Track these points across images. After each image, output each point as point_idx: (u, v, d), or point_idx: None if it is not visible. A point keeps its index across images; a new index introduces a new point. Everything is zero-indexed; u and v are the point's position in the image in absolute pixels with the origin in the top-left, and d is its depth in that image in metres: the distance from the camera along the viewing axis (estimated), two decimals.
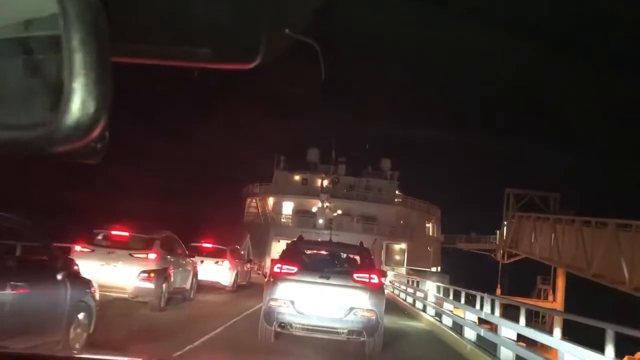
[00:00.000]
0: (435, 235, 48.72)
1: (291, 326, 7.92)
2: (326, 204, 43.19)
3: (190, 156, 43.99)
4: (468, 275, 37.00)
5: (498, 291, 36.17)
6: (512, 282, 40.81)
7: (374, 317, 7.80)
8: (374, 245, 35.29)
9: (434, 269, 37.20)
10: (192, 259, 12.80)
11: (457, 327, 11.60)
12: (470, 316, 10.10)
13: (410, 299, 18.35)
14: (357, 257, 9.37)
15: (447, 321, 12.26)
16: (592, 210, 27.45)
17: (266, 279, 8.94)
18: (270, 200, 46.82)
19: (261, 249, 39.23)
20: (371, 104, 56.64)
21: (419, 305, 16.31)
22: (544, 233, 29.22)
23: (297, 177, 46.96)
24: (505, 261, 38.20)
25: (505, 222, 38.16)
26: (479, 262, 46.65)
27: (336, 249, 9.81)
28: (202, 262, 15.63)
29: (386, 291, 23.95)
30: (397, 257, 27.53)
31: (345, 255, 9.63)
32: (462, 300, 10.89)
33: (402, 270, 26.57)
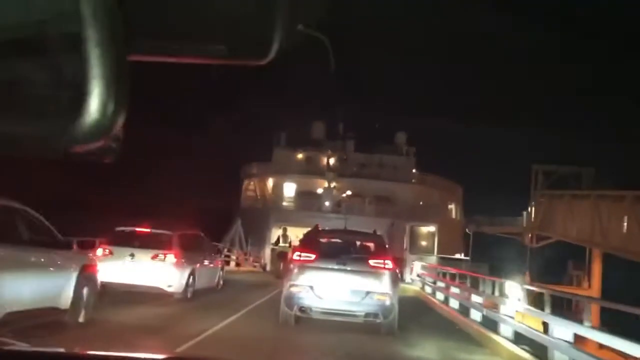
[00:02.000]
0: (458, 217, 42.97)
1: (311, 310, 8.25)
2: (333, 184, 37.77)
3: (172, 134, 38.11)
4: (493, 261, 32.83)
5: (527, 278, 32.15)
6: (542, 268, 36.86)
7: (389, 300, 8.14)
8: (391, 229, 30.04)
9: (457, 255, 31.66)
10: (76, 250, 6.95)
11: None
12: None
13: (454, 303, 12.51)
14: (372, 244, 9.46)
15: (560, 358, 6.38)
16: (630, 186, 24.04)
17: (287, 267, 9.10)
18: (270, 182, 41.01)
19: (261, 236, 33.64)
20: (384, 74, 50.86)
21: (475, 315, 10.45)
22: (582, 212, 26.19)
23: (300, 155, 41.53)
24: (534, 245, 34.62)
25: (534, 202, 34.76)
26: (505, 246, 42.20)
27: (351, 237, 9.99)
28: (131, 256, 9.87)
29: (414, 287, 18.19)
30: (424, 243, 21.67)
31: (360, 243, 9.70)
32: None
33: (432, 259, 20.68)
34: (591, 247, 30.29)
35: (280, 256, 19.44)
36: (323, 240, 9.53)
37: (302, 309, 8.21)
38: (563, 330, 6.55)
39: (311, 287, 8.09)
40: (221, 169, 40.46)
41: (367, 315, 8.14)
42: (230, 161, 42.88)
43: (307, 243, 8.96)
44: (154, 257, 9.92)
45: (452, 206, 42.62)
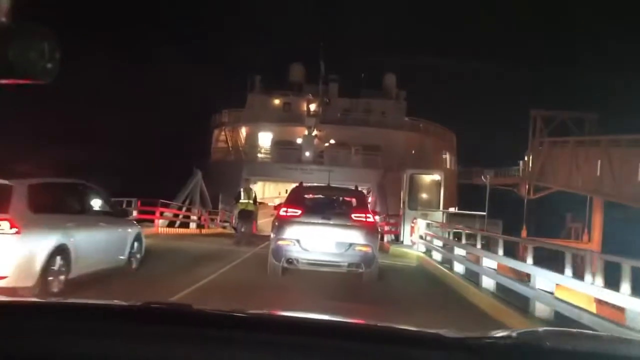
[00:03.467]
0: (452, 167, 39.24)
1: (297, 261, 8.73)
2: (315, 132, 33.44)
3: (131, 78, 33.10)
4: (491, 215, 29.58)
5: (524, 232, 29.55)
6: (539, 221, 33.97)
7: (370, 251, 8.65)
8: (384, 181, 26.03)
9: (451, 210, 27.91)
10: None
11: None
12: None
13: (488, 282, 8.37)
14: (354, 200, 9.91)
15: None
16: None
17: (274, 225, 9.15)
18: (243, 131, 36.51)
19: (232, 192, 29.35)
20: (371, 9, 45.75)
21: (542, 307, 6.31)
22: (589, 160, 24.20)
23: (276, 101, 37.23)
24: (532, 197, 32.86)
25: (532, 151, 32.71)
26: (500, 199, 39.15)
27: (334, 193, 10.78)
28: None
29: (417, 253, 13.94)
30: (425, 196, 17.64)
31: (342, 198, 10.32)
32: None
33: (437, 216, 16.56)
34: (600, 198, 27.69)
35: (242, 215, 14.99)
36: (308, 196, 10.03)
37: (289, 261, 8.69)
38: None
39: (297, 241, 8.57)
40: (188, 117, 35.77)
41: (350, 265, 8.67)
42: (198, 109, 38.17)
43: (293, 199, 9.35)
44: None
45: (446, 155, 38.68)
